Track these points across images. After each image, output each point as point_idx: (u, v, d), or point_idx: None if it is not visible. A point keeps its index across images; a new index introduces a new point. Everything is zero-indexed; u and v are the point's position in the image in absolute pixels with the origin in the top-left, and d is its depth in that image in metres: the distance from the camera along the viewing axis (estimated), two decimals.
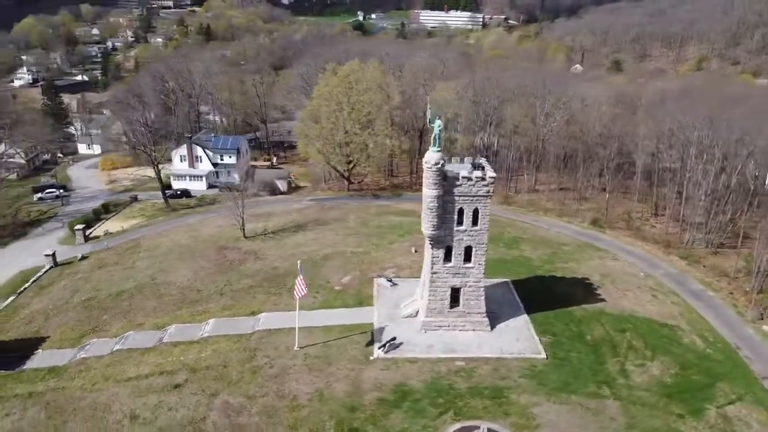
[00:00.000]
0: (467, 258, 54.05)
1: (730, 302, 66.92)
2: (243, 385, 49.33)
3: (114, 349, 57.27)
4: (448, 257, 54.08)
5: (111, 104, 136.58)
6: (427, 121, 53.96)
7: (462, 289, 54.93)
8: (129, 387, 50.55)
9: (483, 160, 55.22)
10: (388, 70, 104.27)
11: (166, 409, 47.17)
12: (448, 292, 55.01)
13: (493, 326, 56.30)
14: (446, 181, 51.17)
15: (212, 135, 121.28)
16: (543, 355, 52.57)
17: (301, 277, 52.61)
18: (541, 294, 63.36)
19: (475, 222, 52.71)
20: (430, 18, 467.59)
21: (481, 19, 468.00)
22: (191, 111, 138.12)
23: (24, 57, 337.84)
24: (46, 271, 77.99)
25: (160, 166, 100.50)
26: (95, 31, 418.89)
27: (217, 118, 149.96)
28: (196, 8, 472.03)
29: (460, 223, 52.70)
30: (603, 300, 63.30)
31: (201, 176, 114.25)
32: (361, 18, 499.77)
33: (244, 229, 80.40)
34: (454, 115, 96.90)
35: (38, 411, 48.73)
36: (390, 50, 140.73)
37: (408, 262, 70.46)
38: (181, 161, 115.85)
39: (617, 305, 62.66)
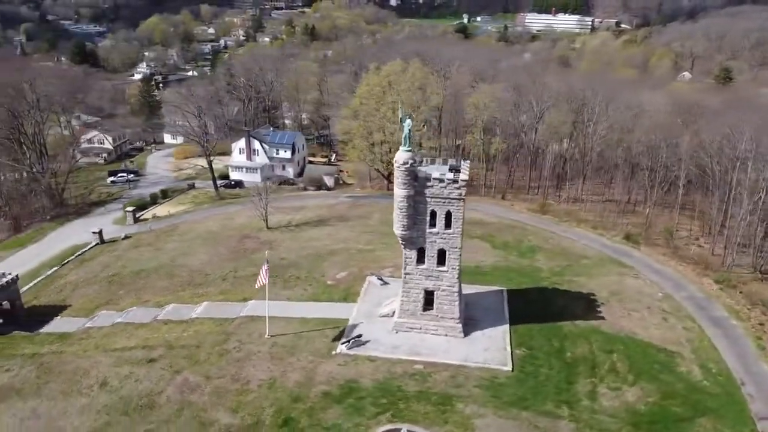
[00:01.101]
0: (441, 261, 53.23)
1: (753, 334, 60.92)
2: (207, 365, 51.72)
3: (115, 322, 61.92)
4: (421, 259, 53.59)
5: (177, 99, 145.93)
6: (399, 120, 53.79)
7: (436, 293, 54.18)
8: (112, 357, 54.49)
9: (465, 163, 54.07)
10: (435, 71, 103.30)
11: (133, 380, 50.47)
12: (422, 295, 54.47)
13: (468, 333, 55.06)
14: (417, 182, 50.76)
15: (270, 130, 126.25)
16: (508, 368, 50.77)
17: (266, 267, 54.19)
18: (535, 306, 61.01)
19: (448, 225, 51.85)
20: (535, 21, 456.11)
21: (590, 23, 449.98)
22: (259, 106, 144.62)
23: (146, 53, 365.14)
24: (91, 247, 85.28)
25: (224, 158, 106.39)
26: (211, 30, 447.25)
27: (288, 114, 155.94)
28: (306, 9, 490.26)
29: (432, 225, 52.07)
30: (601, 318, 59.86)
31: (256, 169, 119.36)
32: (465, 20, 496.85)
33: (267, 221, 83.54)
34: (492, 119, 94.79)
35: (31, 370, 53.73)
36: (476, 54, 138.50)
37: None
38: (240, 153, 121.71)
39: (616, 324, 59.02)
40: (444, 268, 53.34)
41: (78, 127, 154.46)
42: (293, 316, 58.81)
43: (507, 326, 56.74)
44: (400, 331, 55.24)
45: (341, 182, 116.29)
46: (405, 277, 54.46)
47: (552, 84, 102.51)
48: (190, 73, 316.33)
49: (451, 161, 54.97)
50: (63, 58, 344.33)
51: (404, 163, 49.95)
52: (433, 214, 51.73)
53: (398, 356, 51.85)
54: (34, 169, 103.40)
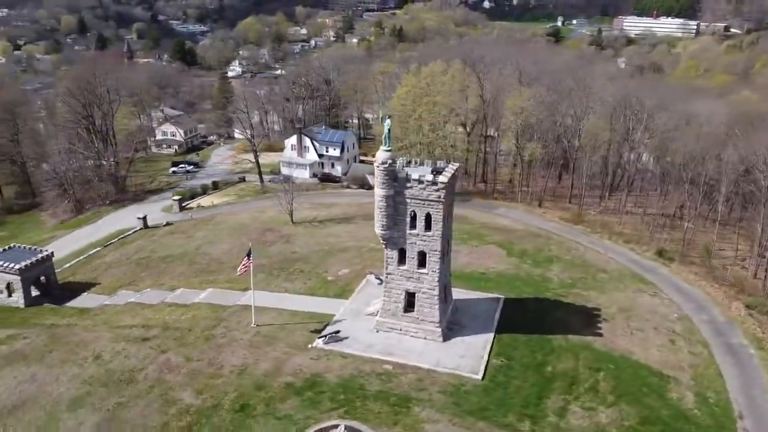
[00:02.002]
0: (422, 263, 52.93)
1: None
2: (191, 348, 54.30)
3: (128, 301, 66.18)
4: (402, 260, 53.53)
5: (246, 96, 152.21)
6: (380, 120, 53.93)
7: (417, 295, 53.94)
8: (113, 333, 58.37)
9: (450, 166, 53.45)
10: (476, 72, 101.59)
11: (123, 356, 53.85)
12: (403, 296, 54.41)
13: (448, 338, 54.42)
14: (397, 182, 50.81)
15: (323, 128, 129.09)
16: (478, 376, 49.74)
17: (246, 258, 56.01)
18: (530, 316, 59.24)
19: (428, 227, 51.48)
20: (634, 24, 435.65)
21: (694, 27, 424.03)
22: (321, 105, 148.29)
23: (240, 51, 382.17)
24: (134, 231, 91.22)
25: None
26: (303, 30, 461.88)
27: (354, 113, 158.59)
28: (397, 11, 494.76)
29: (413, 226, 51.90)
30: (598, 334, 57.16)
31: (305, 165, 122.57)
32: (559, 23, 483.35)
33: (292, 216, 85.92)
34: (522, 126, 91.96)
35: (43, 339, 58.52)
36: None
37: None
38: (291, 150, 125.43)
39: (612, 343, 56.17)
40: (425, 271, 52.97)
41: (158, 120, 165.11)
42: (285, 307, 60.49)
43: (492, 335, 55.48)
44: (381, 331, 55.43)
45: None
46: (387, 277, 54.66)
47: (600, 88, 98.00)
48: (278, 72, 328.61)
49: (441, 163, 54.49)
50: (165, 56, 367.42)
51: (383, 163, 50.17)
52: (414, 216, 51.52)
53: (371, 355, 52.09)
54: (100, 157, 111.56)
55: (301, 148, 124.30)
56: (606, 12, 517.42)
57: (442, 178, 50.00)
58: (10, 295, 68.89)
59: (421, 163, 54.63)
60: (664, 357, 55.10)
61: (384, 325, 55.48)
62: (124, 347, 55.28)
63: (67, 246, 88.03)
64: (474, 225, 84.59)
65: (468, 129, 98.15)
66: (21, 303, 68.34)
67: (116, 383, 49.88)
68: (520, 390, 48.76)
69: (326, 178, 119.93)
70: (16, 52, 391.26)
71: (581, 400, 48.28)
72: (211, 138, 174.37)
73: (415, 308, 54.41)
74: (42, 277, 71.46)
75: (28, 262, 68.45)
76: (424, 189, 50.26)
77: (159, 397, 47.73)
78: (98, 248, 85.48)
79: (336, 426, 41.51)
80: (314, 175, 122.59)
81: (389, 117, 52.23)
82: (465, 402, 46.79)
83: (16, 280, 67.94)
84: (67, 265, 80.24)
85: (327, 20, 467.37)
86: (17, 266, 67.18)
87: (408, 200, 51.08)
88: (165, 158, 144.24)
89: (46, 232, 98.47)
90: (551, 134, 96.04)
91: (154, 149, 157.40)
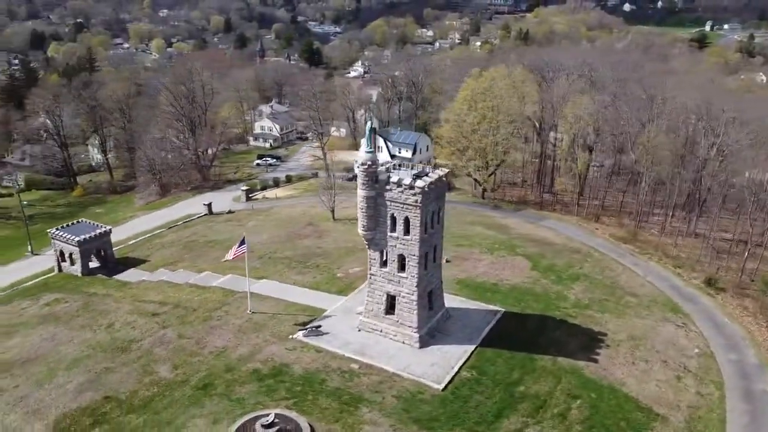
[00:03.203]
0: (402, 267, 52.80)
1: None
2: (188, 326, 58.35)
3: (160, 279, 71.97)
4: (384, 262, 53.70)
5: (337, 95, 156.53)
6: (364, 123, 54.25)
7: (397, 298, 53.89)
8: (133, 306, 64.09)
9: (435, 171, 52.77)
10: (538, 79, 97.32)
11: (130, 327, 59.16)
12: (384, 298, 54.58)
13: (426, 345, 53.80)
14: (377, 184, 51.15)
15: (398, 129, 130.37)
16: (440, 386, 48.80)
17: (237, 247, 58.75)
18: (524, 333, 56.83)
19: (407, 231, 51.28)
20: None
21: None
22: (404, 104, 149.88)
23: (366, 53, 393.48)
24: (198, 217, 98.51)
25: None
26: (430, 33, 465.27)
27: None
28: (527, 14, 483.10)
29: (393, 229, 51.93)
30: (593, 360, 53.53)
31: None
32: (707, 28, 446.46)
33: (333, 213, 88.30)
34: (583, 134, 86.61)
35: (78, 305, 65.65)
36: None
37: None
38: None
39: (604, 371, 52.42)
40: (404, 275, 52.76)
41: (264, 115, 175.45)
42: (285, 298, 62.86)
43: (473, 347, 54.01)
44: (364, 330, 55.94)
45: (453, 186, 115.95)
46: (370, 278, 55.10)
47: (677, 97, 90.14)
48: (396, 73, 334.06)
49: (428, 168, 53.96)
50: (295, 55, 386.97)
51: (363, 164, 50.78)
52: (393, 219, 51.52)
53: (343, 352, 52.84)
54: (189, 147, 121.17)
55: (374, 148, 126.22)
56: (764, 16, 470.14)
57: (420, 183, 49.46)
58: (72, 264, 77.45)
59: (411, 167, 54.31)
60: (662, 393, 50.50)
61: (367, 326, 55.94)
62: (135, 320, 60.54)
63: (140, 225, 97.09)
64: (511, 235, 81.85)
65: (525, 136, 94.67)
66: (79, 272, 76.61)
67: (113, 350, 54.90)
68: (480, 406, 47.18)
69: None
70: (168, 49, 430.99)
71: (543, 425, 45.79)
72: (309, 135, 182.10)
73: (396, 312, 54.30)
74: (100, 251, 79.50)
75: (87, 236, 76.52)
76: (402, 192, 50.11)
77: (141, 367, 51.93)
78: (162, 229, 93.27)
79: (268, 414, 42.84)
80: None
81: (371, 119, 52.58)
82: (415, 410, 46.18)
83: (75, 251, 76.25)
84: (132, 242, 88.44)
85: (454, 22, 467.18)
86: (77, 239, 75.38)
87: (388, 203, 51.18)
88: (257, 151, 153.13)
89: (131, 211, 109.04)
90: (615, 145, 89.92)
91: (252, 142, 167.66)
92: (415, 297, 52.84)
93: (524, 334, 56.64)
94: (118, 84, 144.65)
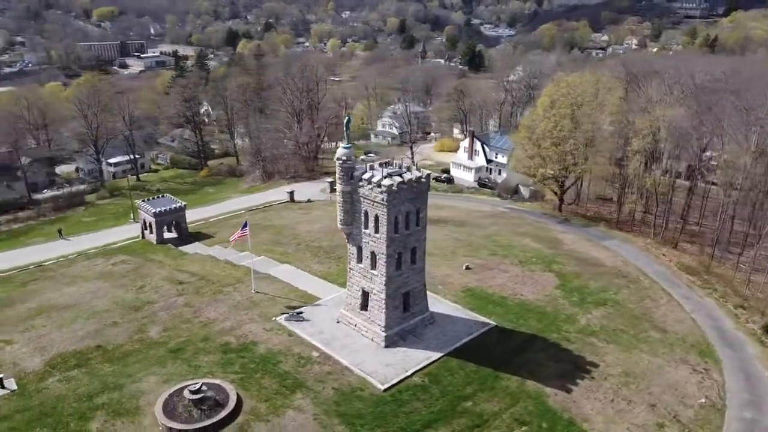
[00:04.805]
0: (374, 264, 53.04)
1: None
2: (197, 297, 63.83)
3: (208, 253, 78.85)
4: (360, 258, 54.30)
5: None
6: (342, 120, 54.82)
7: (369, 295, 54.23)
8: (170, 273, 71.35)
9: (414, 173, 52.02)
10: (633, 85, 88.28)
11: (154, 291, 66.17)
12: (360, 293, 55.16)
13: (394, 345, 53.51)
14: (352, 180, 51.97)
15: (498, 134, 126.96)
16: (382, 387, 48.41)
17: (240, 229, 62.33)
18: (504, 350, 53.87)
19: (377, 229, 51.48)
20: None
21: None
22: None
23: (530, 56, 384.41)
24: (279, 203, 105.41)
25: None
26: (604, 37, 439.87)
27: None
28: (722, 19, 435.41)
29: (366, 226, 52.41)
30: (566, 390, 49.15)
31: (471, 169, 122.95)
32: None
33: None
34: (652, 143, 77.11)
35: (132, 266, 74.55)
36: None
37: (445, 273, 68.10)
38: (464, 152, 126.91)
39: (573, 403, 47.97)
40: (375, 272, 52.93)
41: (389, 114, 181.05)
42: (292, 283, 65.89)
43: (440, 355, 52.57)
44: (342, 323, 56.99)
45: (541, 196, 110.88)
46: (349, 272, 55.95)
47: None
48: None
49: (413, 169, 53.39)
50: (456, 58, 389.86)
51: (338, 159, 51.90)
52: (367, 215, 51.95)
53: (311, 340, 54.44)
54: (296, 138, 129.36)
55: (471, 152, 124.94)
56: None
57: (387, 182, 49.34)
58: (151, 233, 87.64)
59: (399, 167, 54.03)
60: None
61: (345, 318, 56.90)
62: (162, 285, 67.50)
63: (230, 206, 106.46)
64: (557, 251, 76.60)
65: (597, 147, 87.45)
66: (154, 240, 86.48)
67: (129, 308, 61.99)
68: (413, 413, 46.11)
69: (484, 185, 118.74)
70: (342, 49, 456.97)
71: None
72: (433, 135, 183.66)
73: (368, 308, 54.61)
74: (175, 223, 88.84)
75: (163, 208, 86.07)
76: (371, 189, 50.37)
77: (139, 325, 58.16)
78: (242, 211, 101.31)
79: (197, 383, 45.97)
80: (478, 180, 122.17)
81: (348, 116, 53.21)
82: (346, 405, 46.50)
83: (152, 222, 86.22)
84: (213, 219, 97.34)
85: (632, 27, 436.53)
86: (153, 210, 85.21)
87: (362, 199, 51.72)
88: (373, 146, 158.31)
89: (231, 193, 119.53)
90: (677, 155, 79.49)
91: (372, 138, 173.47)
92: (383, 296, 52.73)
93: (502, 351, 53.67)
94: (246, 77, 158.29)
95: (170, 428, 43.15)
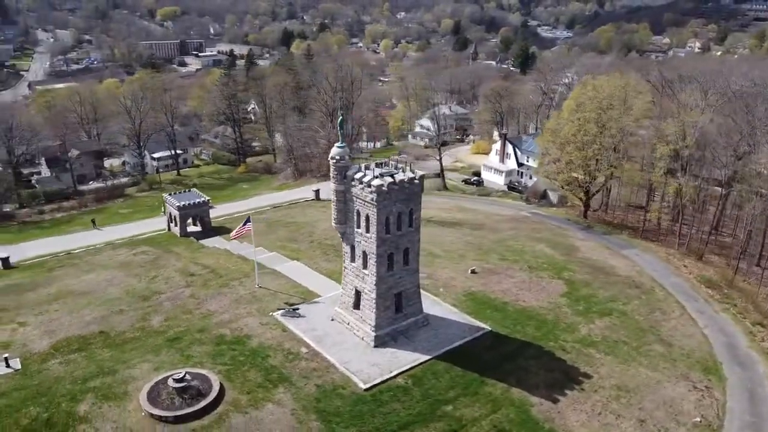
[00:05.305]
0: (365, 264, 53.23)
1: None
2: (203, 289, 65.50)
3: (225, 247, 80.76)
4: (353, 257, 54.58)
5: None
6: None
7: (361, 294, 54.45)
8: (184, 265, 73.42)
9: (407, 174, 51.78)
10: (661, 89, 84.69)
11: (164, 282, 68.27)
12: (353, 292, 55.45)
13: (383, 345, 53.51)
14: (345, 179, 52.29)
15: (530, 137, 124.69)
16: (364, 386, 48.51)
17: (242, 225, 63.46)
18: (494, 356, 52.99)
19: (368, 228, 51.64)
20: None
21: None
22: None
23: (582, 59, 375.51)
24: (305, 201, 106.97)
25: None
26: (666, 40, 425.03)
27: None
28: None
29: (358, 225, 52.65)
30: (552, 401, 47.92)
31: (502, 172, 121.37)
32: None
33: None
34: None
35: (151, 258, 77.17)
36: None
37: (449, 275, 67.53)
38: (495, 155, 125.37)
39: (557, 413, 46.76)
40: (367, 272, 53.10)
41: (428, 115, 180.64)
42: (296, 280, 66.77)
43: (427, 357, 52.24)
44: (336, 321, 57.40)
45: (568, 202, 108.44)
46: (344, 271, 56.30)
47: None
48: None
49: (408, 169, 53.17)
50: (508, 60, 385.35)
51: (332, 158, 52.28)
52: (358, 214, 52.18)
53: (303, 336, 55.02)
54: (325, 137, 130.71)
55: (503, 155, 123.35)
56: None
57: (377, 182, 49.39)
58: (176, 225, 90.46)
59: (395, 167, 53.96)
60: None
61: (339, 316, 57.28)
62: (174, 276, 69.64)
63: (258, 202, 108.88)
64: (571, 258, 74.65)
65: (621, 154, 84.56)
66: (178, 232, 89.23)
67: (138, 297, 64.24)
68: (391, 414, 46.01)
69: (513, 188, 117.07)
70: (395, 49, 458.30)
71: None
72: (471, 137, 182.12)
73: (360, 307, 54.82)
74: (199, 217, 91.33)
75: (187, 203, 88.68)
76: (362, 189, 50.55)
77: (143, 314, 60.18)
78: (268, 207, 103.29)
79: (179, 372, 47.24)
80: (509, 183, 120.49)
81: (342, 116, 53.41)
82: (326, 401, 46.86)
83: (177, 215, 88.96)
84: (237, 214, 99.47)
85: (696, 29, 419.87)
86: (178, 204, 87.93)
87: (354, 198, 51.97)
88: (408, 147, 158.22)
89: (263, 190, 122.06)
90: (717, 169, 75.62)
91: (409, 139, 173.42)
92: (374, 295, 52.81)
93: (492, 357, 52.84)
94: (283, 77, 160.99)
95: (151, 414, 44.50)
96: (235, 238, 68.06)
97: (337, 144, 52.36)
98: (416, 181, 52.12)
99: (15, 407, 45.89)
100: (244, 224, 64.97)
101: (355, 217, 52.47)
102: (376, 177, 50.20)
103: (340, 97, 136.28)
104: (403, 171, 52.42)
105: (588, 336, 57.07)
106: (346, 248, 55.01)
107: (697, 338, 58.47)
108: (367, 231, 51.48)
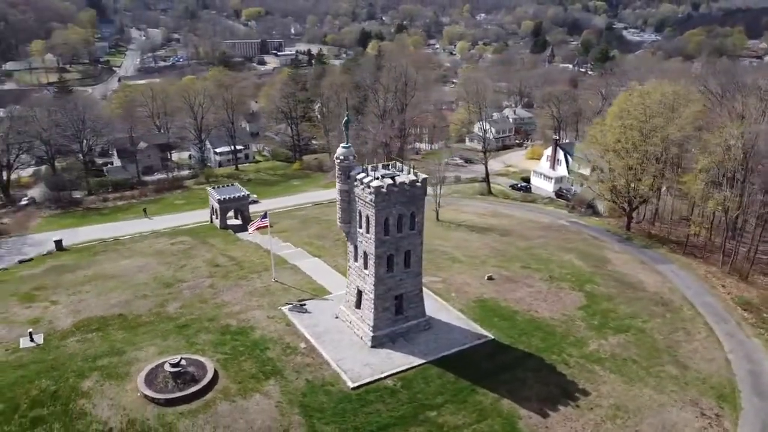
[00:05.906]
0: (366, 264, 53.56)
1: None
2: (224, 280, 67.85)
3: (255, 241, 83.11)
4: (356, 256, 55.02)
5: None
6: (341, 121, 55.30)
7: (363, 294, 54.83)
8: (215, 257, 76.30)
9: (409, 177, 51.58)
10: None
11: (190, 272, 71.22)
12: (355, 292, 55.90)
13: (381, 346, 53.60)
14: (349, 179, 52.83)
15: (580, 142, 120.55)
16: (353, 385, 48.78)
17: (260, 220, 64.96)
18: (491, 366, 51.92)
19: (368, 229, 51.96)
20: None
21: None
22: None
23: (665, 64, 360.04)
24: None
25: None
26: (763, 44, 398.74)
27: None
28: None
29: (360, 225, 53.07)
30: (542, 415, 46.51)
31: (551, 178, 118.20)
32: None
33: (437, 214, 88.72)
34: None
35: (185, 248, 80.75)
36: None
37: (465, 281, 66.61)
38: (546, 161, 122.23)
39: (545, 428, 45.43)
40: (367, 272, 53.42)
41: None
42: (312, 276, 68.03)
43: (422, 361, 51.90)
44: (340, 318, 58.03)
45: (607, 212, 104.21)
46: (348, 270, 56.85)
47: None
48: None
49: (411, 171, 53.04)
50: (587, 63, 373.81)
51: (337, 158, 52.97)
52: (360, 215, 52.59)
53: (304, 332, 55.92)
54: (376, 136, 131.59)
55: (554, 161, 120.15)
56: None
57: (376, 183, 49.59)
58: (217, 218, 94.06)
59: (401, 170, 53.93)
60: None
61: (343, 314, 57.86)
62: (200, 267, 72.57)
63: (300, 199, 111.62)
64: (599, 270, 71.69)
65: (665, 164, 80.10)
66: (218, 225, 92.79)
67: (163, 285, 67.39)
68: (373, 414, 46.09)
69: (561, 195, 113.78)
70: (471, 51, 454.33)
71: None
72: (530, 142, 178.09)
73: (361, 307, 55.18)
74: (239, 211, 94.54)
75: (228, 196, 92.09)
76: (363, 190, 50.91)
77: (162, 301, 63.05)
78: (309, 204, 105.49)
79: (175, 358, 49.23)
80: (557, 190, 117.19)
81: (348, 116, 53.52)
82: (312, 397, 47.54)
83: (217, 208, 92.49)
84: (279, 210, 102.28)
85: None
86: (218, 197, 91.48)
87: (356, 198, 52.42)
88: (465, 150, 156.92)
89: (311, 187, 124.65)
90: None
91: (467, 142, 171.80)
92: (373, 296, 53.02)
93: (489, 366, 51.77)
94: (340, 76, 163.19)
95: (145, 395, 46.67)
96: (252, 232, 70.00)
97: (342, 144, 52.92)
98: (418, 184, 51.80)
99: (29, 378, 49.26)
100: (262, 218, 66.70)
101: (357, 218, 52.85)
102: (377, 178, 50.36)
103: (394, 98, 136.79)
104: (408, 173, 52.21)
105: (596, 352, 54.86)
106: (350, 248, 55.54)
107: (718, 363, 54.94)
108: (368, 231, 51.74)
